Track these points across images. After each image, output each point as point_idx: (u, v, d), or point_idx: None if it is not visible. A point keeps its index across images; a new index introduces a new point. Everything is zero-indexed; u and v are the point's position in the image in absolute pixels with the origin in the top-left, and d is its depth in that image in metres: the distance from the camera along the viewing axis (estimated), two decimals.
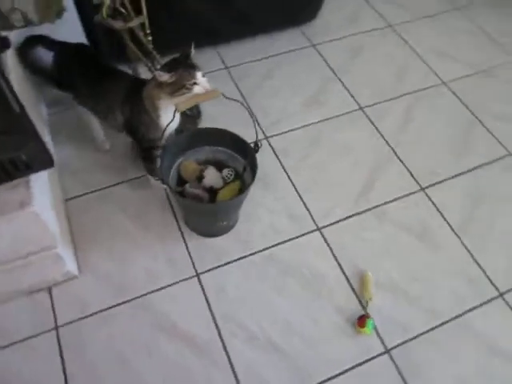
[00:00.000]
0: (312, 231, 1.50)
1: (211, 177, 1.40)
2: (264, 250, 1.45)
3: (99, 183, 1.57)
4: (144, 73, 1.60)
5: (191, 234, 1.47)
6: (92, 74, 1.35)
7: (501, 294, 1.40)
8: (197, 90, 1.18)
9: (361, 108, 1.83)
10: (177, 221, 1.49)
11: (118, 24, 1.27)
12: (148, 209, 1.51)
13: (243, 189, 1.41)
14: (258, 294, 1.37)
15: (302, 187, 1.59)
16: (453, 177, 1.65)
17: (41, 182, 1.19)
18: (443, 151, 1.72)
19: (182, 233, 1.47)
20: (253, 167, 1.31)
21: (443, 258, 1.46)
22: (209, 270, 1.40)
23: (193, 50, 1.20)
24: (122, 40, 1.38)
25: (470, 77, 1.96)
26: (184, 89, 1.17)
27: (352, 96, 1.86)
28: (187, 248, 1.44)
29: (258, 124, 1.25)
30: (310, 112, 1.80)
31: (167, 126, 1.20)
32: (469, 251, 1.48)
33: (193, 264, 1.41)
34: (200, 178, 1.40)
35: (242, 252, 1.44)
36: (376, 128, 1.77)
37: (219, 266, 1.41)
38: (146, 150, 1.40)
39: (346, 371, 1.25)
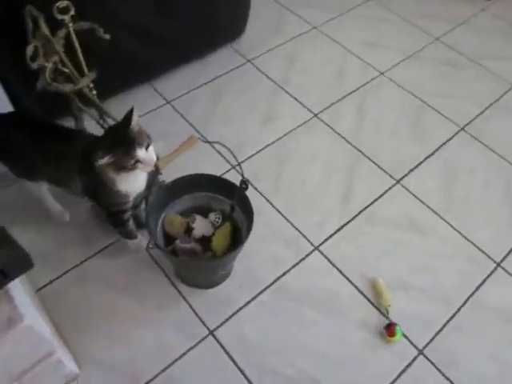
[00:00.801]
0: (311, 252, 1.45)
1: (200, 226, 1.30)
2: (270, 285, 1.38)
3: (70, 261, 1.39)
4: (91, 125, 1.45)
5: (190, 290, 1.35)
6: (42, 141, 1.18)
7: (498, 264, 1.46)
8: (141, 167, 1.05)
9: (315, 115, 1.82)
10: (169, 279, 1.37)
11: (67, 87, 1.12)
12: (134, 275, 1.37)
13: (236, 229, 1.33)
14: (279, 332, 1.30)
15: (285, 209, 1.54)
16: (421, 162, 1.70)
17: (15, 285, 1.02)
18: (404, 139, 1.76)
19: (179, 291, 1.35)
20: (246, 208, 1.23)
21: (437, 244, 1.49)
22: (222, 324, 1.30)
23: (135, 117, 1.03)
24: (67, 101, 1.23)
25: (402, 63, 2.04)
26: (126, 169, 1.04)
27: (303, 105, 1.85)
28: (191, 306, 1.32)
29: (232, 154, 1.17)
30: (268, 130, 1.76)
31: (149, 189, 1.08)
32: (457, 230, 1.53)
33: (202, 322, 1.30)
34: (189, 230, 1.30)
35: (249, 294, 1.36)
36: (335, 131, 1.77)
37: (231, 316, 1.32)
38: (113, 215, 1.27)
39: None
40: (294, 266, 1.42)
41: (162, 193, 1.23)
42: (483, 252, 1.48)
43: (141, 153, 1.02)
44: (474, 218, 1.56)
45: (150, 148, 1.07)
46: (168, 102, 1.82)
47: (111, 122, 1.31)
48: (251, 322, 1.31)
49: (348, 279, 1.40)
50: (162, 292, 1.34)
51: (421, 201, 1.59)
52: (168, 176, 1.29)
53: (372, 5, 2.29)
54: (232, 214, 1.33)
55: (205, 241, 1.31)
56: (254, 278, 1.39)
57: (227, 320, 1.31)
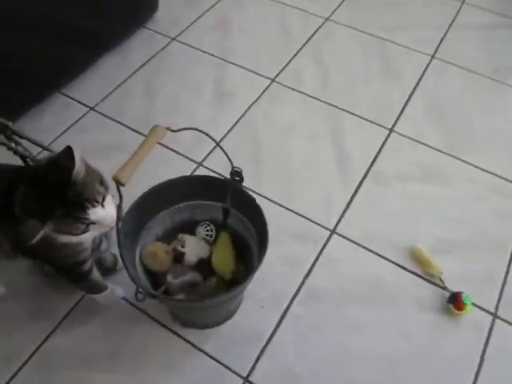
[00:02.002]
0: (329, 238, 1.17)
1: (192, 247, 0.96)
2: (297, 293, 1.08)
3: (22, 348, 0.99)
4: None
5: (199, 334, 1.01)
6: None
7: None
8: (96, 228, 0.74)
9: (273, 80, 1.53)
10: (167, 328, 1.02)
11: None
12: (118, 338, 1.01)
13: (236, 237, 1.00)
14: (327, 347, 1.01)
15: (279, 197, 1.24)
16: (406, 101, 1.47)
17: None
18: (379, 83, 1.53)
19: (186, 340, 1.01)
20: (246, 207, 0.92)
21: (461, 186, 1.28)
22: (255, 364, 0.98)
23: (77, 158, 0.68)
24: None
25: (343, 4, 1.79)
26: (75, 234, 0.73)
27: (255, 72, 1.54)
28: (209, 355, 0.99)
29: (211, 138, 0.86)
30: (226, 109, 1.44)
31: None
32: (473, 165, 1.32)
33: (231, 370, 0.97)
34: (179, 257, 0.95)
35: (275, 313, 1.05)
36: (302, 93, 1.49)
37: (263, 348, 1.00)
38: (67, 270, 0.90)
39: (481, 363, 0.99)
40: (315, 262, 1.13)
41: (128, 219, 0.87)
42: (507, 180, 1.29)
43: (95, 213, 0.70)
44: (483, 146, 1.37)
45: (108, 199, 0.73)
46: (92, 108, 1.43)
47: (25, 143, 0.92)
48: (290, 348, 1.00)
49: (383, 257, 1.14)
50: (163, 348, 0.99)
51: (423, 144, 1.37)
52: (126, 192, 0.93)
53: None
54: (227, 220, 1.01)
55: (203, 265, 0.98)
56: (275, 291, 1.08)
57: (260, 355, 0.99)
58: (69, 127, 1.37)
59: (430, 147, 1.36)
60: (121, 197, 0.73)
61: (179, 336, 1.01)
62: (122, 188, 0.69)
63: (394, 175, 1.29)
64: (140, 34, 1.64)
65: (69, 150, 0.68)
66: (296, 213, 1.21)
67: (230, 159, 0.89)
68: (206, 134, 0.86)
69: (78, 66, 1.48)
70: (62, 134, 1.35)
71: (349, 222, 1.20)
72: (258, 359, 0.98)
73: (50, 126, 1.36)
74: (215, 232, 1.02)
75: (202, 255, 0.97)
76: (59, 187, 0.68)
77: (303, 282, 1.10)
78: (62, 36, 1.35)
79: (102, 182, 0.74)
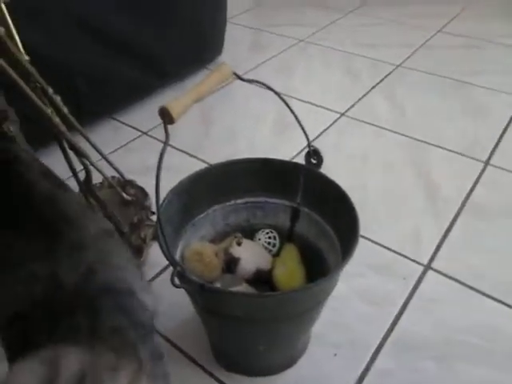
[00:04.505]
0: (423, 275, 0.90)
1: (250, 253, 0.73)
2: (383, 341, 0.79)
3: None
4: None
5: (250, 383, 0.73)
6: None
7: None
8: None
9: (343, 114, 1.38)
10: (207, 371, 0.75)
11: None
12: None
13: (308, 247, 0.77)
14: None
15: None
16: (500, 137, 1.27)
17: None
18: (463, 119, 1.34)
19: None
20: (325, 198, 0.70)
21: None
22: None
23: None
24: None
25: (415, 53, 1.70)
26: None
27: (323, 107, 1.42)
28: None
29: (279, 96, 0.69)
30: (288, 139, 1.28)
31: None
32: None
33: None
34: (233, 263, 0.72)
35: (356, 366, 0.76)
36: (376, 126, 1.33)
37: None
38: None
39: None
40: (408, 302, 0.85)
41: (171, 203, 0.68)
42: None
43: None
44: None
45: None
46: (144, 133, 1.33)
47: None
48: None
49: (500, 301, 0.84)
50: None
51: None
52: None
53: (351, 16, 2.03)
54: (294, 227, 0.78)
55: (261, 279, 0.73)
56: (354, 336, 0.79)
57: None
58: (116, 149, 1.25)
59: None
60: (167, 136, 0.57)
61: (221, 383, 0.73)
62: None
63: (499, 210, 1.04)
64: (203, 72, 1.60)
65: None
66: (376, 243, 0.96)
67: (305, 133, 0.70)
68: (279, 96, 0.69)
69: (137, 93, 1.42)
70: (108, 154, 1.23)
71: (447, 257, 0.93)
72: None
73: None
74: (279, 242, 0.79)
75: (261, 266, 0.73)
76: None
77: (392, 327, 0.81)
78: (126, 62, 1.32)
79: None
